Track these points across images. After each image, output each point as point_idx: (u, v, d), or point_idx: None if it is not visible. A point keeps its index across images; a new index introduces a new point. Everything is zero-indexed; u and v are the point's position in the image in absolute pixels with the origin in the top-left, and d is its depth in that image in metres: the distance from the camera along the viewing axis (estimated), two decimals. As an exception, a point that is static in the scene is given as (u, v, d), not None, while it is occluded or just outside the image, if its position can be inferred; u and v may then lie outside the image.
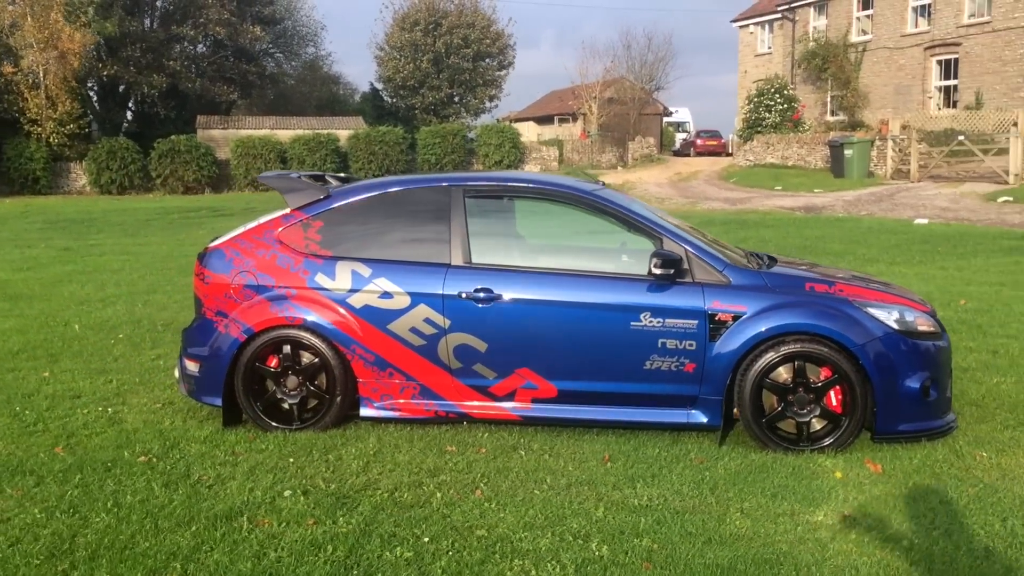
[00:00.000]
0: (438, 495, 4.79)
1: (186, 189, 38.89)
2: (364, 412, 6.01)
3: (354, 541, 4.19)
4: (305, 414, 6.08)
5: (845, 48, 39.58)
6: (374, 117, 52.76)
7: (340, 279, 5.99)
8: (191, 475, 5.13)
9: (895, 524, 4.39)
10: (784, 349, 5.56)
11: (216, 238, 6.54)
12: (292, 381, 6.05)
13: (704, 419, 5.72)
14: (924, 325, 5.73)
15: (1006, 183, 25.37)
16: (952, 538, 4.21)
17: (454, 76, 54.92)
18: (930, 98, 36.16)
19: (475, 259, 5.95)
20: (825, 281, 5.87)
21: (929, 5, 35.93)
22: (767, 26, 47.32)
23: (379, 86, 58.46)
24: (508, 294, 5.82)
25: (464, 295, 5.83)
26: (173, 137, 39.25)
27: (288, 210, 6.26)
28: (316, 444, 5.68)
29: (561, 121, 63.87)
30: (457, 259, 5.93)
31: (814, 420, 5.61)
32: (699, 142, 55.82)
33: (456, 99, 57.45)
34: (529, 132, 54.20)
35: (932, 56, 35.97)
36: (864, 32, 39.53)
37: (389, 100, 59.16)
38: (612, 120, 51.45)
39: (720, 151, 53.43)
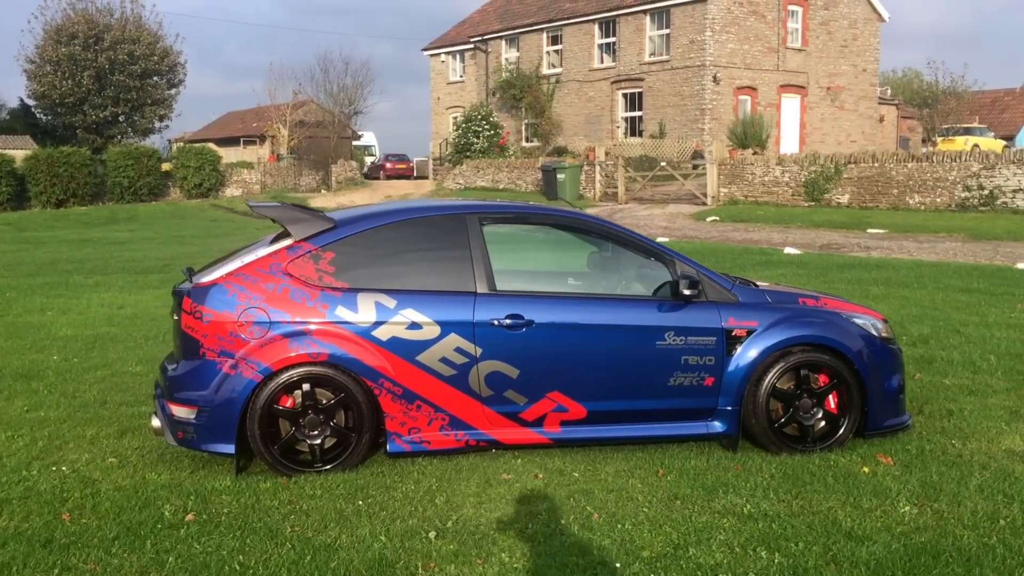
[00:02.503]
0: (563, 522, 4.79)
1: None
2: (392, 448, 5.78)
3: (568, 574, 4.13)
4: (326, 455, 5.75)
5: (538, 80, 42.10)
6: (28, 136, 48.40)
7: (363, 311, 5.73)
8: (279, 529, 4.72)
9: (975, 508, 4.99)
10: (792, 359, 6.09)
11: (199, 273, 6.01)
12: (313, 421, 5.70)
13: (722, 429, 6.10)
14: (887, 332, 6.52)
15: (704, 204, 28.28)
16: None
17: (119, 94, 51.66)
18: (618, 127, 39.39)
19: (499, 286, 5.94)
20: (812, 296, 6.51)
21: (614, 43, 39.18)
22: (459, 55, 49.08)
23: (31, 103, 53.56)
24: (539, 319, 5.87)
25: (496, 322, 5.81)
26: None
27: (291, 241, 5.88)
28: (365, 484, 5.42)
29: (247, 143, 62.09)
30: (482, 287, 5.89)
31: (817, 422, 6.19)
32: (388, 165, 56.60)
33: (122, 118, 54.06)
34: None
35: (619, 89, 39.23)
36: (554, 66, 42.28)
37: (44, 118, 54.44)
38: (306, 143, 50.75)
39: (409, 174, 54.57)
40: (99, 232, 29.90)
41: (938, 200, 23.42)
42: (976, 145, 38.83)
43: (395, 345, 5.73)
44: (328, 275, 5.80)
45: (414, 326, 5.75)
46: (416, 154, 58.49)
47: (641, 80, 37.98)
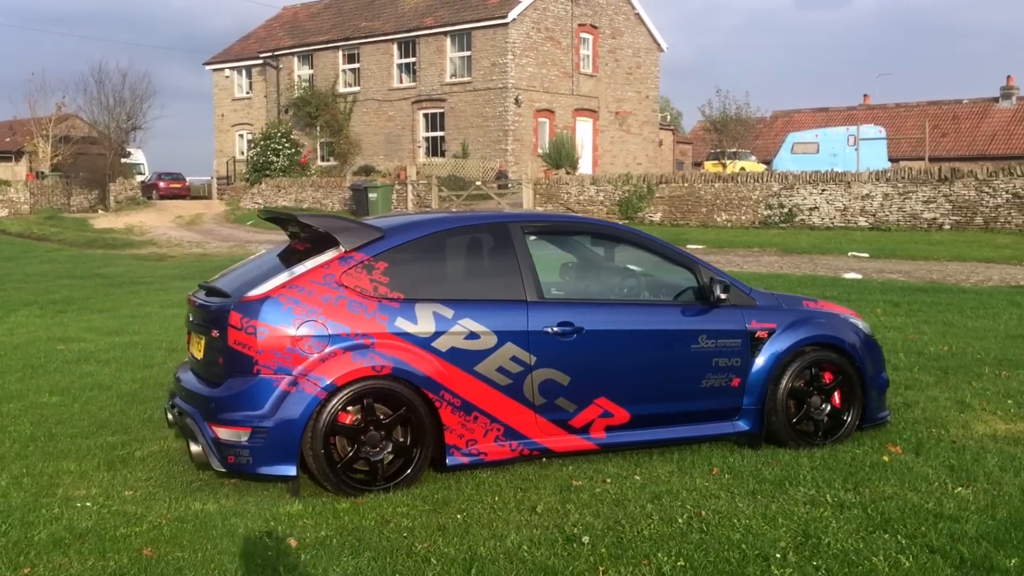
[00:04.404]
0: (680, 520, 4.88)
1: None
2: (451, 461, 5.66)
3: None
4: (387, 471, 5.55)
5: (334, 98, 41.52)
6: None
7: (423, 322, 5.59)
8: (408, 546, 4.54)
9: (1018, 484, 5.48)
10: (807, 358, 6.47)
11: (216, 282, 5.68)
12: (374, 437, 5.49)
13: (746, 428, 6.38)
14: (869, 329, 7.06)
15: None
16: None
17: None
18: (419, 147, 39.54)
19: (546, 294, 5.97)
20: (811, 299, 6.95)
21: (414, 64, 39.37)
22: (245, 71, 47.57)
23: None
24: (588, 326, 5.94)
25: (551, 330, 5.83)
26: None
27: (342, 251, 5.64)
28: (447, 498, 5.32)
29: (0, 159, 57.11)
30: (532, 295, 5.89)
31: (825, 417, 6.59)
32: (162, 184, 53.63)
33: None
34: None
35: (420, 109, 39.41)
36: (350, 84, 41.86)
37: None
38: (73, 159, 47.28)
39: (184, 194, 52.07)
40: None
41: (743, 218, 25.22)
42: (743, 168, 42.06)
43: (454, 356, 5.63)
44: (383, 285, 5.61)
45: (472, 336, 5.67)
46: (191, 173, 55.88)
47: (443, 100, 38.36)
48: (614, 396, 6.02)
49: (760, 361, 6.37)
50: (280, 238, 6.20)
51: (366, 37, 40.53)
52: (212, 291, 5.95)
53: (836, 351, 6.57)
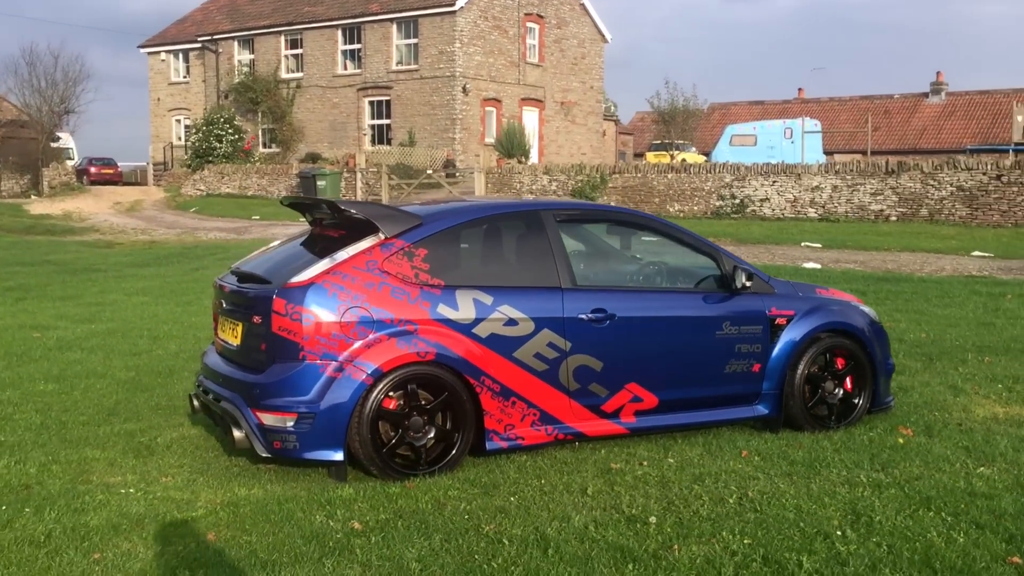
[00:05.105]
0: (731, 500, 5.01)
1: None
2: (491, 446, 5.72)
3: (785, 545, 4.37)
4: (429, 455, 5.59)
5: (277, 83, 40.95)
6: None
7: (463, 309, 5.63)
8: (474, 528, 4.60)
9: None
10: (822, 344, 6.66)
11: (247, 264, 5.67)
12: (417, 422, 5.52)
13: (766, 412, 6.55)
14: (876, 315, 7.29)
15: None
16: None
17: None
18: (365, 135, 39.25)
19: (579, 281, 6.06)
20: (823, 287, 7.15)
21: (359, 50, 39.02)
22: (181, 55, 46.66)
23: None
24: (620, 313, 6.05)
25: (585, 317, 5.92)
26: None
27: (383, 237, 5.65)
28: (495, 481, 5.40)
29: (-79, 143, 55.04)
30: (566, 282, 5.97)
31: (838, 401, 6.80)
32: (93, 170, 52.39)
33: None
34: None
35: (365, 97, 39.11)
36: (293, 70, 41.33)
37: None
38: (1, 144, 45.84)
39: (117, 179, 50.94)
40: None
41: (696, 208, 25.60)
42: (684, 159, 42.68)
43: (494, 342, 5.69)
44: (423, 272, 5.64)
45: (511, 322, 5.73)
46: (120, 159, 54.55)
47: (389, 88, 38.13)
48: (644, 381, 6.14)
49: (779, 347, 6.54)
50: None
51: (309, 22, 40.06)
52: (245, 277, 5.91)
53: (849, 337, 6.77)
